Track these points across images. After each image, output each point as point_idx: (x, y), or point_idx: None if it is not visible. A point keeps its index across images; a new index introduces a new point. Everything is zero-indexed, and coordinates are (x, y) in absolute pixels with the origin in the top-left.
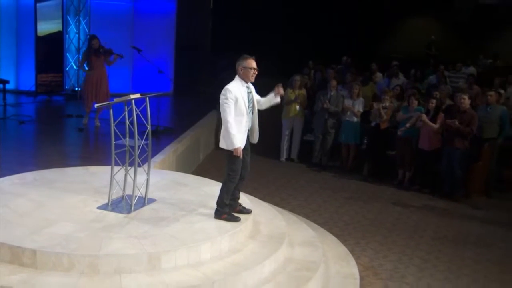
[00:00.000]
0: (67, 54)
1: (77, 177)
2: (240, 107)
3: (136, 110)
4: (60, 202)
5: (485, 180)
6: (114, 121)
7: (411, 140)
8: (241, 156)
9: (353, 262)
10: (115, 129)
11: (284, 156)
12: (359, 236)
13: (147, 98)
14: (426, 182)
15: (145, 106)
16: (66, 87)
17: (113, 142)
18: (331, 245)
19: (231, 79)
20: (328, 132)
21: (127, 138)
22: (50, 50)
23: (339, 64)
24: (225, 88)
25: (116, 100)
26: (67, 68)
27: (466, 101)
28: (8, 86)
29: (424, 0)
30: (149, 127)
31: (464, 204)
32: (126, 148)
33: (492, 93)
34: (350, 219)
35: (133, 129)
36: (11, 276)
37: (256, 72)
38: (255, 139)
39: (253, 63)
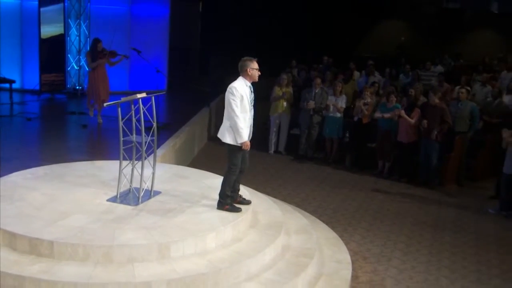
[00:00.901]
0: (69, 55)
1: (85, 171)
2: (244, 104)
3: (142, 108)
4: (71, 195)
5: (457, 170)
6: (122, 118)
7: (390, 133)
8: (248, 148)
9: (344, 247)
10: (123, 126)
11: (272, 149)
12: (346, 223)
13: (153, 97)
14: (404, 172)
15: (149, 104)
16: (68, 86)
17: (121, 139)
18: (322, 232)
19: (222, 77)
20: (313, 126)
21: (134, 135)
22: (53, 52)
23: (320, 64)
24: (231, 86)
25: (123, 99)
26: (69, 68)
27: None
28: (13, 85)
29: (395, 4)
30: (155, 124)
31: (439, 192)
32: (133, 144)
33: (463, 90)
34: (337, 207)
35: (140, 127)
36: (31, 266)
37: (259, 72)
38: (250, 135)
39: (256, 65)
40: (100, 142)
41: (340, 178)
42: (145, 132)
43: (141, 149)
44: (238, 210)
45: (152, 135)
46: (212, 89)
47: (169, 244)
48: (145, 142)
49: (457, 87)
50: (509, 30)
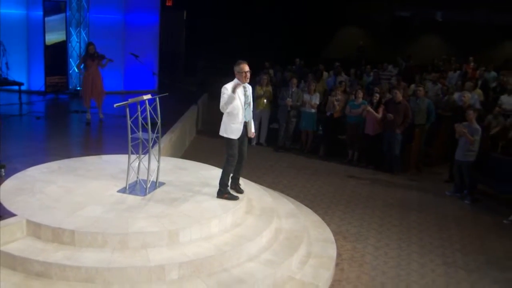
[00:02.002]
0: (70, 59)
1: (94, 165)
2: (236, 104)
3: (148, 108)
4: (85, 188)
5: (417, 158)
6: (126, 116)
7: (358, 126)
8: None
9: (327, 229)
10: (131, 124)
11: (254, 141)
12: (326, 207)
13: (157, 98)
14: (371, 160)
15: (154, 104)
16: (70, 87)
17: (130, 136)
18: (307, 215)
19: (208, 78)
20: (290, 121)
21: (141, 132)
22: (56, 56)
23: (292, 65)
24: (223, 86)
25: (130, 100)
26: (70, 71)
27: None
28: (21, 87)
29: (353, 13)
30: (159, 122)
31: (402, 177)
32: (140, 140)
33: (421, 88)
34: (316, 192)
35: (146, 126)
36: (55, 253)
37: (248, 74)
38: (250, 133)
39: (245, 68)
40: (103, 138)
41: (315, 167)
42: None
43: (147, 145)
44: (236, 198)
45: (157, 132)
46: (198, 89)
47: (178, 231)
48: (151, 139)
49: (413, 85)
50: (451, 36)
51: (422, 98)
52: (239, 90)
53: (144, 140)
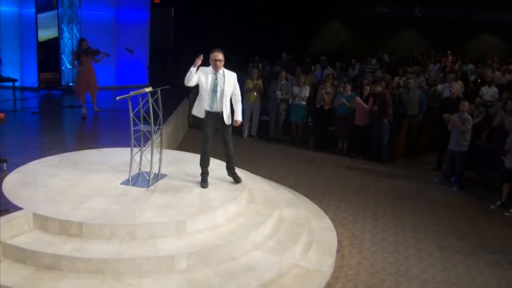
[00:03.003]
0: (63, 55)
1: (94, 158)
2: (202, 85)
3: (151, 101)
4: (88, 180)
5: (405, 147)
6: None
7: (347, 118)
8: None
9: (326, 217)
10: (133, 117)
11: (246, 133)
12: (321, 196)
13: (159, 91)
14: (360, 150)
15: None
16: (63, 82)
17: (132, 128)
18: (305, 204)
19: None
20: (280, 113)
21: (142, 124)
22: (48, 53)
23: (279, 59)
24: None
25: (132, 92)
26: (63, 67)
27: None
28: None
29: (336, 9)
30: (161, 115)
31: (391, 166)
32: (142, 133)
33: (411, 80)
34: (310, 182)
35: (148, 118)
36: (64, 246)
37: (219, 63)
38: (227, 121)
39: (218, 56)
40: (99, 132)
41: (307, 157)
42: (146, 121)
43: (150, 137)
44: (204, 185)
45: (159, 124)
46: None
47: (185, 221)
48: (154, 131)
49: (396, 78)
50: (429, 30)
51: (413, 89)
52: (209, 75)
53: (146, 132)
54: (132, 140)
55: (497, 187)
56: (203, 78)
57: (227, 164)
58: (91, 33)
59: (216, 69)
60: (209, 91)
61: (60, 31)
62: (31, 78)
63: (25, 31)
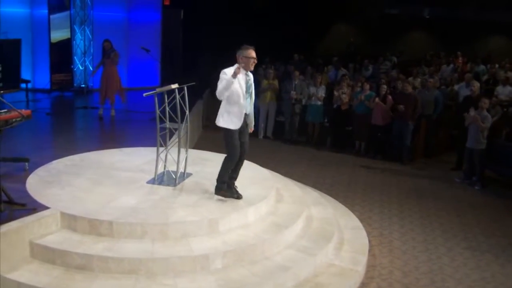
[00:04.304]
0: (75, 57)
1: (116, 157)
2: (236, 89)
3: (178, 98)
4: (113, 179)
5: (424, 146)
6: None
7: (365, 117)
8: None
9: (353, 216)
10: (160, 114)
11: (261, 134)
12: (344, 195)
13: (185, 87)
14: (379, 150)
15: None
16: (75, 84)
17: (158, 126)
18: (331, 203)
19: (209, 74)
20: (295, 114)
21: (168, 122)
22: (61, 54)
23: (290, 60)
24: (222, 71)
25: (158, 89)
26: (75, 69)
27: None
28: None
29: (344, 10)
30: (187, 112)
31: (410, 166)
32: (167, 131)
33: (432, 80)
34: (332, 182)
35: (174, 118)
36: (95, 245)
37: (255, 62)
38: (251, 126)
39: (253, 53)
40: (116, 132)
41: (324, 157)
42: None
43: (177, 135)
44: (234, 196)
45: (186, 122)
46: (200, 84)
47: (217, 220)
48: (176, 129)
49: (410, 78)
50: (438, 31)
51: (432, 89)
52: (240, 76)
53: (173, 130)
54: (158, 138)
55: None
56: (236, 83)
57: (231, 174)
58: (104, 34)
59: (251, 68)
60: (243, 93)
61: (72, 32)
62: (43, 80)
63: (37, 32)
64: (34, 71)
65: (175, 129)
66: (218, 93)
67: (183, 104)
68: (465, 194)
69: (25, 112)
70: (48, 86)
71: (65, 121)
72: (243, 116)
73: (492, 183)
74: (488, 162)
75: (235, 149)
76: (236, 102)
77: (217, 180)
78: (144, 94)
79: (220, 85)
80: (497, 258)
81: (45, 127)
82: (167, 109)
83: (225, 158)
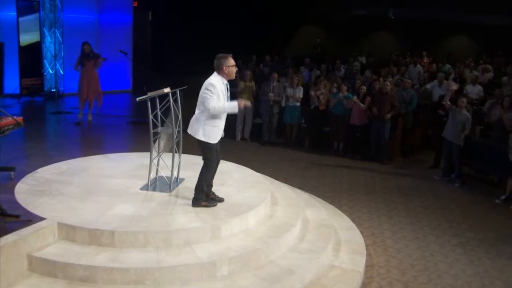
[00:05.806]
0: (45, 60)
1: (103, 164)
2: (221, 101)
3: (172, 102)
4: (104, 187)
5: (401, 145)
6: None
7: (344, 117)
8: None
9: (345, 217)
10: (153, 119)
11: (239, 136)
12: (330, 196)
13: (178, 91)
14: (357, 150)
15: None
16: (45, 88)
17: (152, 131)
18: (323, 204)
19: (183, 79)
20: (273, 115)
21: (159, 127)
22: (30, 58)
23: (263, 61)
24: (209, 83)
25: (150, 93)
26: (45, 73)
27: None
28: None
29: (311, 12)
30: (180, 116)
31: (389, 165)
32: (160, 135)
33: (408, 80)
34: (316, 183)
35: (169, 122)
36: (97, 256)
37: (236, 68)
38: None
39: (233, 61)
40: (98, 137)
41: (304, 159)
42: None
43: (165, 140)
44: (214, 204)
45: (179, 126)
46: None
47: (220, 225)
48: (175, 134)
49: (380, 78)
50: (403, 32)
51: (408, 89)
52: (222, 88)
53: (165, 135)
54: (152, 144)
55: (496, 182)
56: (221, 95)
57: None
58: (74, 36)
59: (233, 76)
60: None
61: (42, 35)
62: (12, 84)
63: (6, 36)
64: (3, 75)
65: (169, 134)
66: (215, 111)
67: (176, 108)
68: (447, 191)
69: (18, 119)
70: (17, 91)
71: (41, 127)
72: (222, 126)
73: (471, 180)
74: (466, 160)
75: (214, 160)
76: (220, 118)
77: (196, 191)
78: (137, 99)
79: (212, 101)
80: (487, 253)
81: (21, 134)
82: (159, 113)
83: (204, 169)
